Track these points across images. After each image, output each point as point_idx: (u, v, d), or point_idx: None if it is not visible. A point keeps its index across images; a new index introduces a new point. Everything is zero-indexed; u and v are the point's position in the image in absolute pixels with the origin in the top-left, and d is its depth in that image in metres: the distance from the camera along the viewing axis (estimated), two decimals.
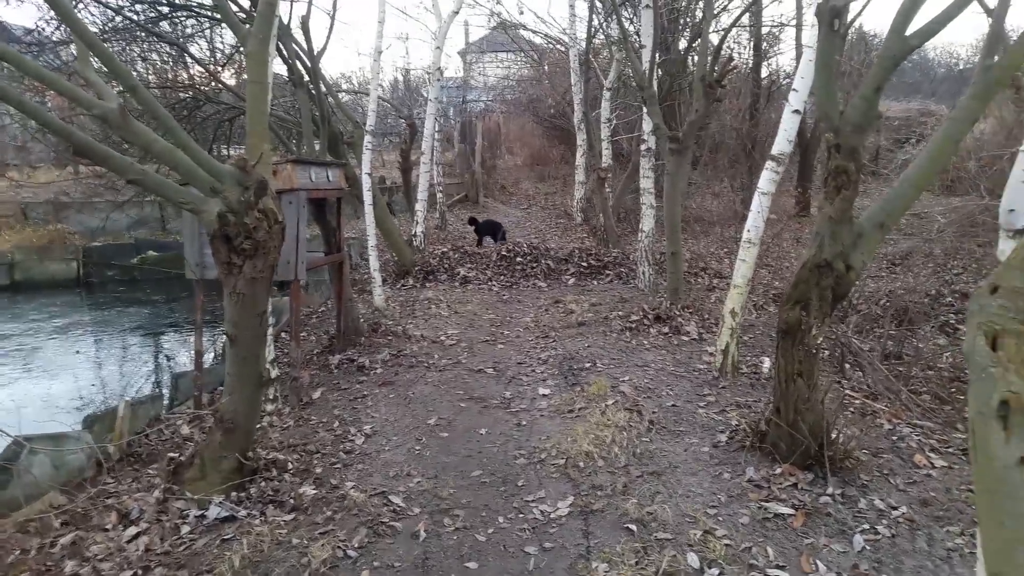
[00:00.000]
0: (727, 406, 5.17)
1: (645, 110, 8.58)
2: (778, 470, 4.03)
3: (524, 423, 5.10)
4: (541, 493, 4.03)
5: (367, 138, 8.62)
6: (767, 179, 5.48)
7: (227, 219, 3.68)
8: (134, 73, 11.94)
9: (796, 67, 5.53)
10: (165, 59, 11.94)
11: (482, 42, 30.72)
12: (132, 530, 3.73)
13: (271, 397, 5.56)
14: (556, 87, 22.73)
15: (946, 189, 19.17)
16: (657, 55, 7.87)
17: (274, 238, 3.82)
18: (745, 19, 15.47)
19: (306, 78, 7.47)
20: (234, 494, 4.07)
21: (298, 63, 7.57)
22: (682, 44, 14.86)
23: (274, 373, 5.66)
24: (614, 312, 7.96)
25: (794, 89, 5.31)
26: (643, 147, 8.80)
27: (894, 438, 4.58)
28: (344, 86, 25.17)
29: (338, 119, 10.71)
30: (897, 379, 5.41)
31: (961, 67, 33.93)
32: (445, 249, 11.13)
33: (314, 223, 7.08)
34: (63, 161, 17.25)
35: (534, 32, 19.33)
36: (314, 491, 4.14)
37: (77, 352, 9.97)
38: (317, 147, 7.28)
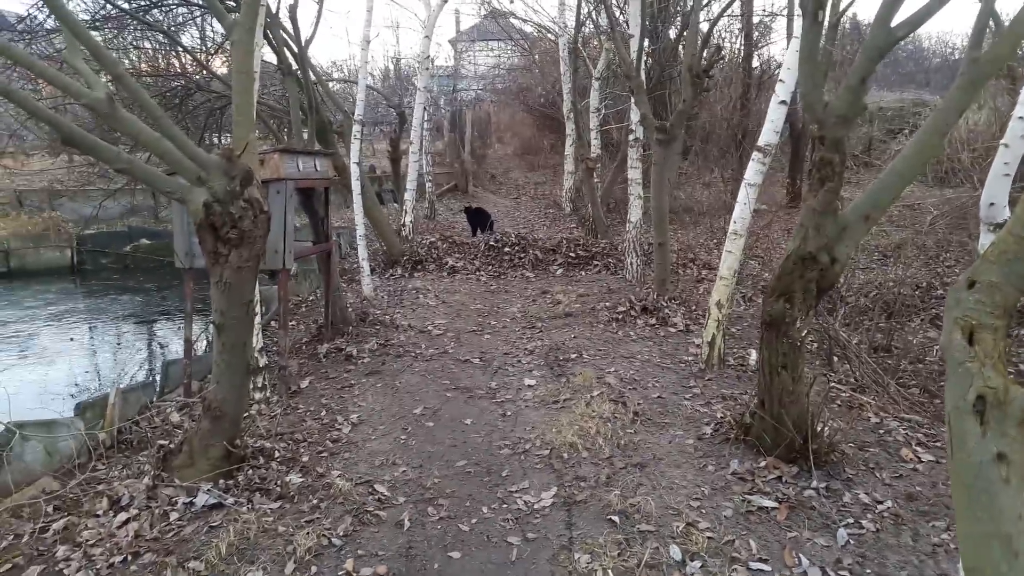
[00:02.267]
0: (713, 398, 5.20)
1: (633, 100, 8.57)
2: (762, 463, 4.06)
3: (509, 413, 5.12)
4: (525, 484, 4.05)
5: (355, 127, 8.59)
6: (754, 170, 5.49)
7: (213, 208, 3.67)
8: (125, 62, 11.91)
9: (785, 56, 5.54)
10: (156, 47, 11.86)
11: (473, 31, 30.60)
12: (122, 516, 3.75)
13: (259, 386, 5.56)
14: (546, 76, 22.70)
15: (939, 181, 19.23)
16: (646, 44, 7.87)
17: (260, 227, 3.81)
18: (736, 8, 15.52)
19: (295, 66, 7.43)
20: (222, 481, 4.07)
21: (287, 51, 7.54)
22: (672, 33, 14.88)
23: (262, 362, 5.65)
24: (601, 303, 7.98)
25: (781, 80, 5.32)
26: (631, 137, 8.80)
27: (881, 432, 4.61)
28: (335, 75, 25.05)
29: (328, 108, 10.66)
30: (885, 372, 5.45)
31: (956, 56, 33.99)
32: (434, 239, 11.12)
33: (302, 212, 7.06)
34: (56, 149, 17.14)
35: (524, 21, 19.24)
36: (300, 479, 4.15)
37: (71, 339, 9.93)
38: (306, 136, 7.24)
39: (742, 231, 5.56)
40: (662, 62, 12.84)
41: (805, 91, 3.67)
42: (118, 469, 4.51)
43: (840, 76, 13.94)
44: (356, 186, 8.53)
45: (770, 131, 5.39)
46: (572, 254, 10.28)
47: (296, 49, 7.49)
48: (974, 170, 19.01)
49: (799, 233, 3.79)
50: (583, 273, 9.94)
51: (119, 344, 10.09)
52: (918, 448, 4.41)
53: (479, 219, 12.86)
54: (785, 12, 16.78)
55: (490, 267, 10.21)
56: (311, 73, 8.03)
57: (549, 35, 21.52)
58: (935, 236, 11.59)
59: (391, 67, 26.35)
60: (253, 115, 4.22)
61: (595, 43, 16.08)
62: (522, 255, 10.32)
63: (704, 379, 5.61)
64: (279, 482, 4.08)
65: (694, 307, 7.45)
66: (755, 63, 17.16)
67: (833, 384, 5.36)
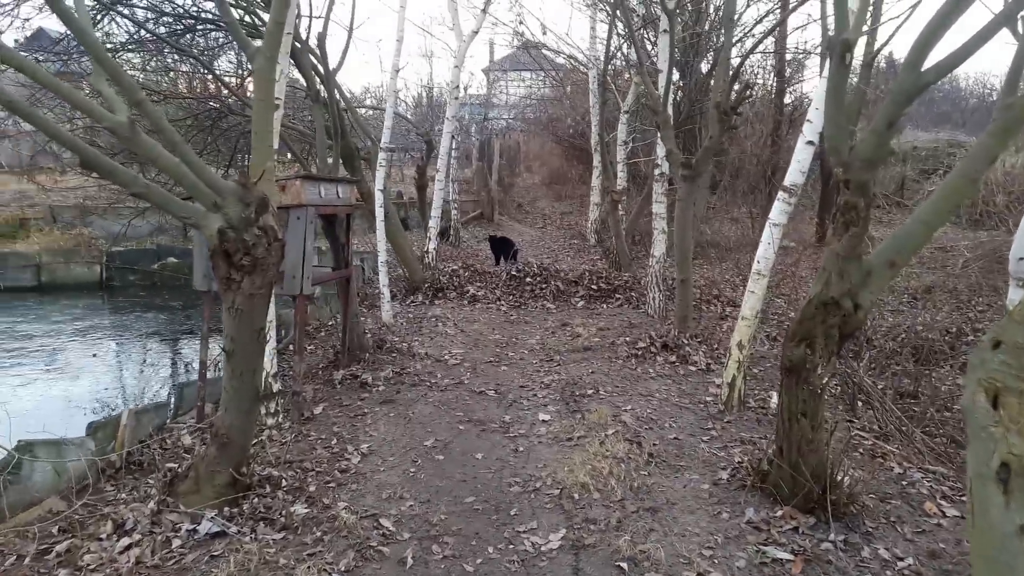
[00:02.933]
0: (731, 442, 5.07)
1: (660, 134, 8.53)
2: (779, 512, 3.93)
3: (522, 449, 5.03)
4: (533, 524, 3.95)
5: (381, 154, 8.64)
6: (779, 210, 5.40)
7: (227, 235, 3.67)
8: (163, 83, 12.16)
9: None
10: (192, 70, 12.10)
11: (505, 60, 30.90)
12: (125, 540, 3.72)
13: (272, 411, 5.53)
14: (576, 107, 22.79)
15: (973, 223, 18.96)
16: (675, 79, 7.84)
17: (273, 255, 3.80)
18: (770, 44, 15.49)
19: (322, 93, 7.50)
20: (227, 509, 4.03)
21: (315, 77, 7.63)
22: (704, 67, 14.86)
23: (276, 387, 5.63)
24: (621, 338, 7.88)
25: (809, 120, 5.24)
26: (656, 171, 8.75)
27: (904, 483, 4.45)
28: (367, 101, 25.38)
29: (356, 134, 10.77)
30: (911, 420, 5.29)
31: (993, 97, 33.58)
32: (456, 267, 11.13)
33: (324, 237, 7.09)
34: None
35: (556, 52, 19.36)
36: (306, 510, 4.09)
37: (94, 355, 10.06)
38: (331, 162, 7.29)
39: (765, 271, 5.45)
40: (692, 97, 12.81)
41: (830, 134, 3.59)
42: (126, 491, 4.50)
43: (873, 115, 13.81)
44: (380, 212, 8.55)
45: (796, 171, 5.30)
46: (594, 286, 10.20)
47: (324, 75, 7.57)
48: (1009, 214, 18.76)
49: (821, 277, 3.69)
50: (604, 306, 9.85)
51: (140, 362, 10.18)
52: (943, 502, 4.25)
53: (503, 248, 12.84)
54: (819, 50, 16.74)
55: (511, 297, 10.17)
56: (339, 100, 8.10)
57: (580, 67, 21.68)
58: (967, 280, 11.34)
59: (424, 95, 26.63)
60: (272, 143, 4.24)
61: (626, 76, 16.13)
62: (544, 286, 10.27)
63: (723, 421, 5.48)
64: (284, 512, 4.03)
65: (716, 345, 7.32)
66: (787, 99, 17.04)
67: (856, 431, 5.21)
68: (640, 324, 8.63)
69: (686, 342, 7.15)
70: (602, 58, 13.18)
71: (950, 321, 8.48)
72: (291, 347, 7.37)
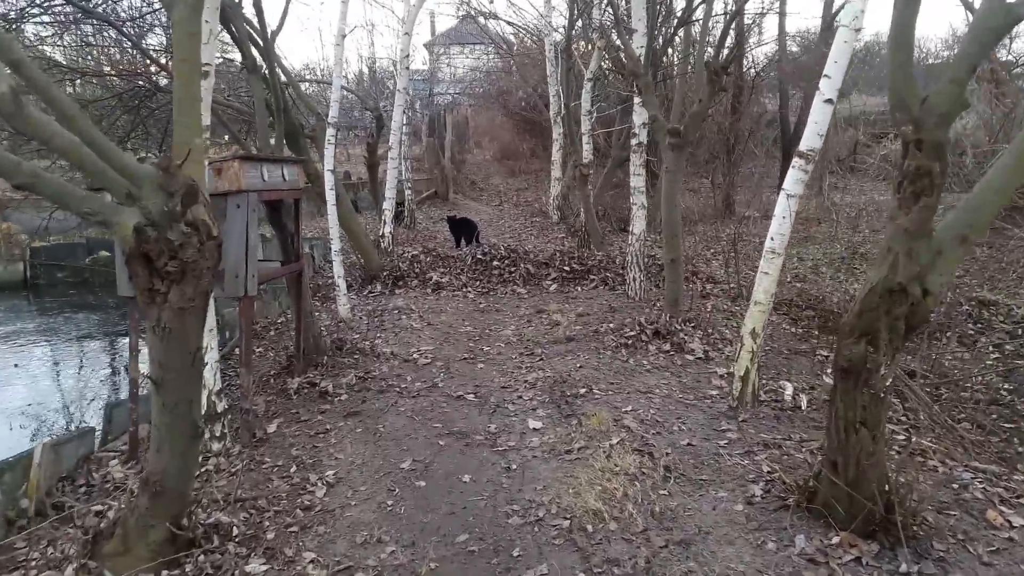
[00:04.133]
0: (753, 446, 4.44)
1: (637, 101, 7.84)
2: (834, 539, 3.31)
3: (515, 466, 4.33)
4: (543, 568, 3.27)
5: (329, 131, 7.76)
6: (794, 179, 4.76)
7: (146, 234, 2.85)
8: (90, 60, 10.98)
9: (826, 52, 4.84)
10: (113, 44, 10.95)
11: (449, 33, 29.82)
12: None
13: (218, 435, 4.72)
14: (527, 79, 22.01)
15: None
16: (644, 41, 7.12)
17: (207, 257, 2.99)
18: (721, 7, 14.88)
19: (260, 62, 6.59)
20: (165, 573, 3.26)
21: (251, 46, 6.71)
22: (669, 30, 14.18)
23: (221, 406, 4.81)
24: (605, 324, 7.22)
25: (826, 75, 4.58)
26: (633, 142, 8.06)
27: (955, 486, 3.89)
28: (309, 77, 24.10)
29: (299, 111, 9.83)
30: (942, 408, 4.75)
31: (930, 61, 33.83)
32: (415, 251, 10.28)
33: (268, 226, 6.23)
34: None
35: (508, 22, 18.51)
36: (264, 567, 3.35)
37: (15, 365, 9.00)
38: (273, 141, 6.41)
39: (780, 249, 4.82)
40: (655, 61, 12.11)
41: (897, 85, 2.93)
42: (41, 547, 3.68)
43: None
44: (330, 195, 7.70)
45: (813, 134, 4.65)
46: (566, 268, 9.51)
47: (262, 43, 6.66)
48: None
49: (886, 259, 3.05)
50: (579, 288, 9.17)
51: (69, 372, 9.16)
52: (1003, 508, 3.69)
53: (463, 229, 12.07)
54: (775, 9, 16.25)
55: (478, 283, 9.42)
56: (279, 70, 7.20)
57: (531, 37, 20.87)
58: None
59: (365, 70, 25.43)
60: (200, 115, 3.40)
61: (582, 44, 15.38)
62: (512, 269, 9.54)
63: (738, 420, 4.85)
64: (237, 573, 3.27)
65: (711, 331, 6.70)
66: (746, 65, 16.51)
67: (891, 428, 4.63)
68: (622, 308, 7.98)
69: (679, 328, 6.51)
70: (561, 24, 12.41)
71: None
72: (237, 352, 6.53)
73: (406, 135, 15.04)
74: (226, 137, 13.82)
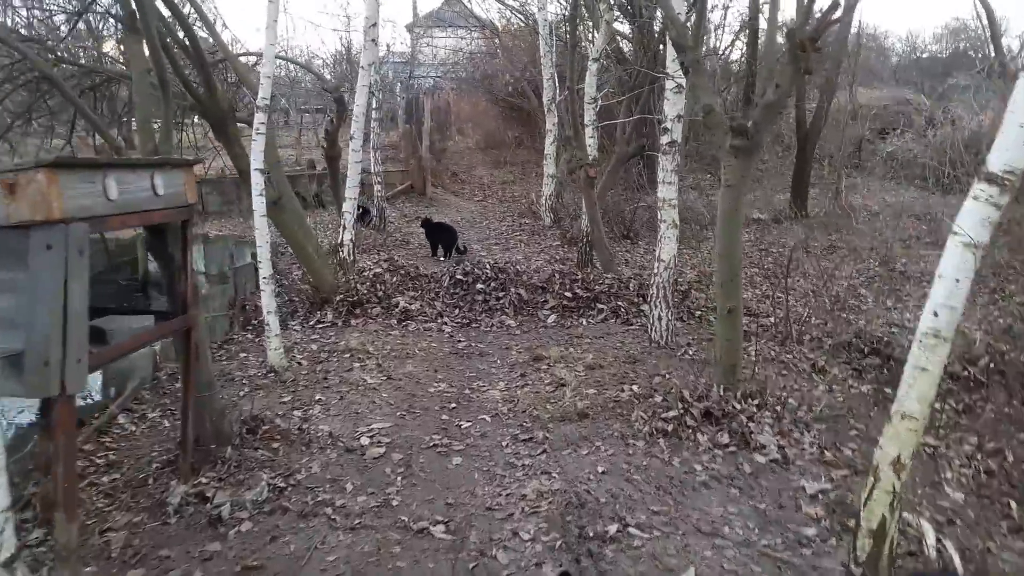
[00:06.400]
0: None
1: (670, 87, 5.92)
2: None
3: None
4: None
5: (258, 117, 5.77)
6: (978, 217, 2.85)
7: None
8: None
9: None
10: None
11: (432, 15, 27.65)
12: None
13: None
14: (515, 62, 20.03)
15: (943, 188, 17.20)
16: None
17: None
18: None
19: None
20: None
21: None
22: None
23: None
24: (627, 386, 5.32)
25: None
26: (664, 139, 6.12)
27: None
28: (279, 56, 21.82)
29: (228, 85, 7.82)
30: None
31: (924, 55, 32.40)
32: (380, 268, 8.23)
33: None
34: None
35: (497, 1, 16.42)
36: None
37: None
38: (158, 137, 4.40)
39: (948, 330, 2.92)
40: (702, 31, 10.14)
41: None
42: None
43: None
44: (258, 204, 5.71)
45: (1018, 144, 2.76)
46: (568, 294, 7.56)
47: None
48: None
49: None
50: (584, 322, 7.24)
51: None
52: None
53: (441, 236, 10.13)
54: None
55: (457, 311, 7.46)
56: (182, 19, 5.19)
57: (519, 14, 18.94)
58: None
59: (343, 48, 23.12)
60: None
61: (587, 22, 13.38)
62: (501, 295, 7.57)
63: None
64: None
65: (779, 408, 4.78)
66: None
67: None
68: (644, 357, 6.07)
69: (737, 406, 4.60)
70: None
71: None
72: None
73: (377, 120, 13.00)
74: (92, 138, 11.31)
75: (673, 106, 5.95)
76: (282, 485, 4.02)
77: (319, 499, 3.90)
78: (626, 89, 11.80)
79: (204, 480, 4.03)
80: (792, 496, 3.88)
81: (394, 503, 3.88)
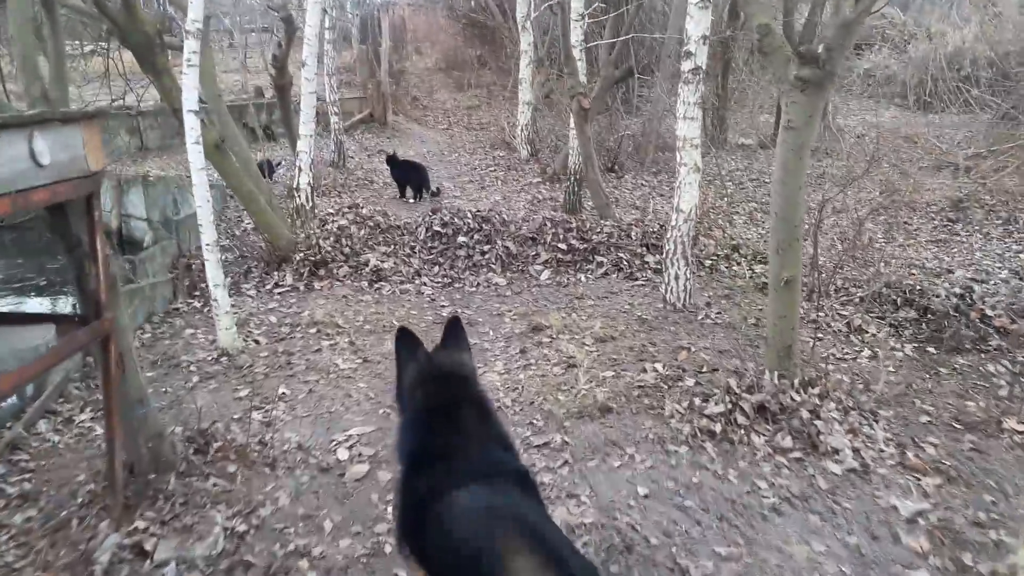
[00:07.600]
0: None
1: (695, 3, 4.92)
2: None
3: None
4: None
5: (189, 44, 4.64)
6: None
7: None
8: None
9: None
10: None
11: None
12: None
13: None
14: None
15: (923, 106, 16.55)
16: None
17: None
18: None
19: None
20: None
21: None
22: None
23: None
24: (649, 364, 4.52)
25: None
26: (685, 65, 5.14)
27: None
28: None
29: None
30: None
31: None
32: (344, 221, 7.15)
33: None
34: None
35: None
36: None
37: None
38: (46, 73, 3.30)
39: None
40: None
41: None
42: None
43: None
44: (195, 153, 4.64)
45: None
46: (562, 245, 6.66)
47: None
48: (957, 95, 16.39)
49: None
50: (582, 278, 6.38)
51: None
52: None
53: (409, 175, 9.09)
54: None
55: (436, 268, 6.53)
56: None
57: None
58: None
59: None
60: None
61: None
62: (486, 248, 6.64)
63: None
64: None
65: (843, 396, 4.00)
66: None
67: None
68: (659, 323, 5.26)
69: (796, 398, 3.82)
70: None
71: None
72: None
73: (330, 43, 11.65)
74: None
75: (698, 24, 4.95)
76: (242, 529, 3.15)
77: (290, 548, 3.04)
78: (611, 6, 10.61)
79: (141, 525, 3.14)
80: (884, 521, 3.13)
81: (388, 549, 3.05)
